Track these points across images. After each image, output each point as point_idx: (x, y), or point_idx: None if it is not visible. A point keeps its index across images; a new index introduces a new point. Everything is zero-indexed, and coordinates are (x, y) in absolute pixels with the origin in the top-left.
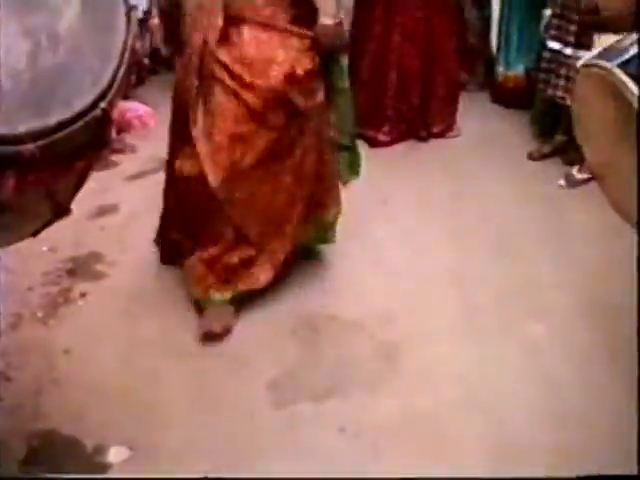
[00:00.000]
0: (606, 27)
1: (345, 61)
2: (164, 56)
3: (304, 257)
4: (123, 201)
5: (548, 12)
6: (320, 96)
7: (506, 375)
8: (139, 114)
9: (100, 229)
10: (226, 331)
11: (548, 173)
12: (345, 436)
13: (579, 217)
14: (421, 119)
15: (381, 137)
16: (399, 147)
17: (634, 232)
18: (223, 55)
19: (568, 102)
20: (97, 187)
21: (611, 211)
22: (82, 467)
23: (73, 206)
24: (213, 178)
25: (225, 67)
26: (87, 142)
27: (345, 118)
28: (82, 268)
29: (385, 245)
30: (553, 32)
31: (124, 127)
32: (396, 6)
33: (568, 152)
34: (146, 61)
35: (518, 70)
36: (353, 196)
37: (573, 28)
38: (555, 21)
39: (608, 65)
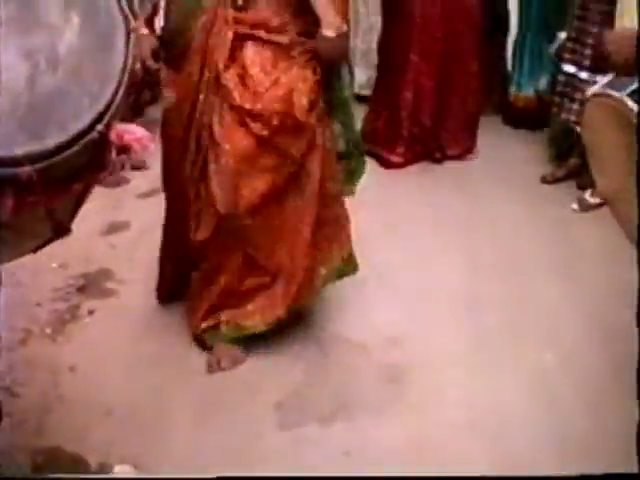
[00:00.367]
0: (616, 70)
1: (346, 71)
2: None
3: None
4: (134, 218)
5: (563, 35)
6: (321, 109)
7: (513, 401)
8: (137, 137)
9: (111, 246)
10: (236, 366)
11: (561, 196)
12: (350, 459)
13: (591, 241)
14: (435, 141)
15: (395, 159)
16: (412, 168)
17: None
18: (227, 78)
19: None
20: (109, 204)
21: (623, 236)
22: None
23: (84, 222)
24: (222, 206)
25: (230, 91)
26: (85, 164)
27: (347, 127)
28: (91, 285)
29: (395, 267)
30: (568, 55)
31: (123, 150)
32: (415, 24)
33: (581, 176)
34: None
35: (529, 91)
36: (364, 217)
37: (588, 52)
38: (570, 44)
39: (618, 94)
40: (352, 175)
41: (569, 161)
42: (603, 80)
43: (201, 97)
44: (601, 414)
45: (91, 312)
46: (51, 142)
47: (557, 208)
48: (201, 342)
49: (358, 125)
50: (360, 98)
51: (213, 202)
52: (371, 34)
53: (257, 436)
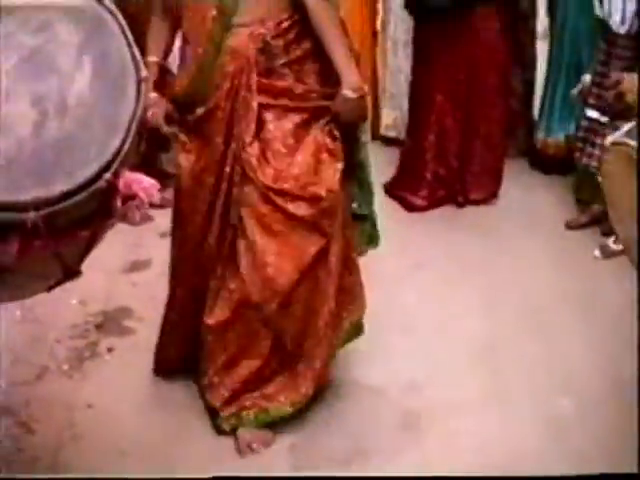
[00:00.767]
0: (632, 112)
1: (362, 130)
2: None
3: None
4: (156, 257)
5: (588, 78)
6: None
7: (529, 449)
8: (144, 186)
9: (131, 284)
10: (268, 447)
11: (584, 242)
12: None
13: (612, 289)
14: (459, 184)
15: (418, 202)
16: (435, 211)
17: None
18: (250, 153)
19: None
20: (131, 242)
21: None
22: None
23: (105, 260)
24: (253, 288)
25: (254, 168)
26: (92, 212)
27: (364, 189)
28: (111, 323)
29: (415, 311)
30: (591, 100)
31: (130, 198)
32: (439, 66)
33: (605, 222)
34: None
35: (559, 136)
36: (385, 260)
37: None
38: (594, 89)
39: (635, 143)
40: (367, 238)
41: (593, 207)
42: (623, 128)
43: (227, 169)
44: (619, 462)
45: (110, 350)
46: (57, 189)
47: (580, 254)
48: (221, 428)
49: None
50: (386, 140)
51: (242, 284)
52: (399, 76)
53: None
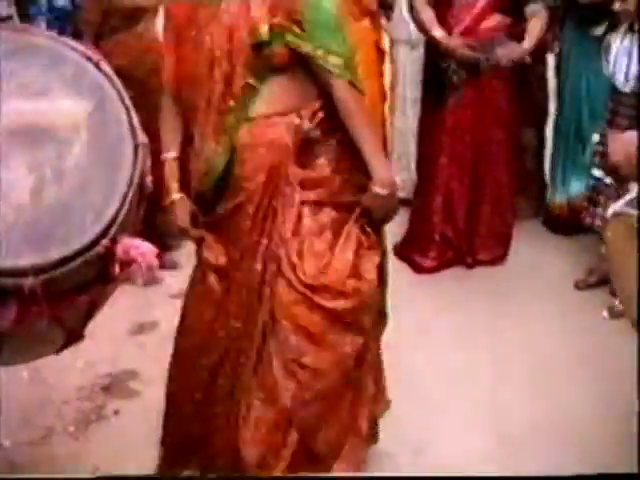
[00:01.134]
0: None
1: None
2: None
3: None
4: (164, 319)
5: (596, 137)
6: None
7: None
8: (142, 252)
9: (139, 346)
10: None
11: (592, 303)
12: None
13: (619, 350)
14: (468, 246)
15: (427, 263)
16: (444, 273)
17: None
18: (289, 248)
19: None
20: (140, 303)
21: None
22: None
23: (113, 321)
24: (287, 396)
25: (293, 264)
26: (91, 277)
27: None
28: (117, 385)
29: (422, 373)
30: (597, 159)
31: (128, 264)
32: (445, 128)
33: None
34: None
35: (570, 196)
36: (393, 321)
37: None
38: (600, 148)
39: (636, 213)
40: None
41: (601, 267)
42: (625, 197)
43: (258, 267)
44: None
45: (116, 412)
46: (54, 255)
47: (587, 315)
48: None
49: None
50: None
51: (274, 392)
52: (407, 136)
53: None
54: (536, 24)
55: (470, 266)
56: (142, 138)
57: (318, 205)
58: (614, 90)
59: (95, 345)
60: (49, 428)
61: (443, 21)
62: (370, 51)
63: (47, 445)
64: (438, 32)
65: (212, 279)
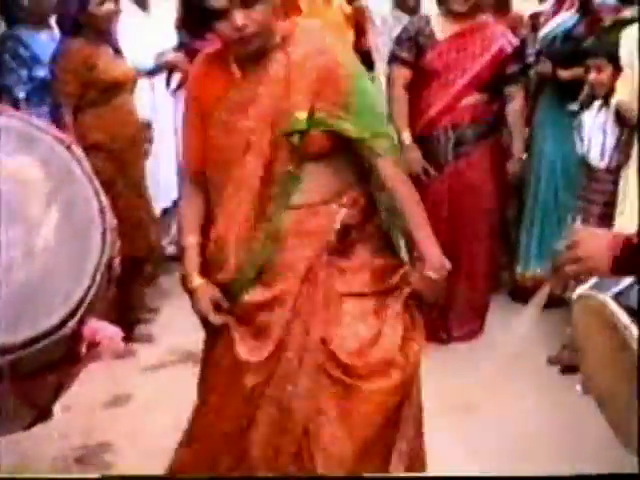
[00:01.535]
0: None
1: None
2: None
3: None
4: (138, 392)
5: (570, 219)
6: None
7: None
8: (107, 335)
9: (113, 419)
10: None
11: (566, 377)
12: None
13: (592, 424)
14: (442, 322)
15: None
16: None
17: None
18: (334, 343)
19: None
20: (114, 375)
21: None
22: None
23: (87, 394)
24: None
25: (332, 351)
26: (58, 357)
27: None
28: (91, 457)
29: None
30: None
31: (95, 345)
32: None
33: None
34: (172, 249)
35: (537, 269)
36: None
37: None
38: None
39: (602, 297)
40: None
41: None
42: (591, 280)
43: (294, 362)
44: None
45: None
46: (22, 336)
47: (562, 389)
48: None
49: None
50: None
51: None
52: None
53: None
54: (516, 117)
55: (444, 342)
56: (111, 221)
57: (360, 291)
58: (588, 167)
59: (69, 417)
60: None
61: (421, 99)
62: None
63: None
64: (405, 135)
65: (244, 375)
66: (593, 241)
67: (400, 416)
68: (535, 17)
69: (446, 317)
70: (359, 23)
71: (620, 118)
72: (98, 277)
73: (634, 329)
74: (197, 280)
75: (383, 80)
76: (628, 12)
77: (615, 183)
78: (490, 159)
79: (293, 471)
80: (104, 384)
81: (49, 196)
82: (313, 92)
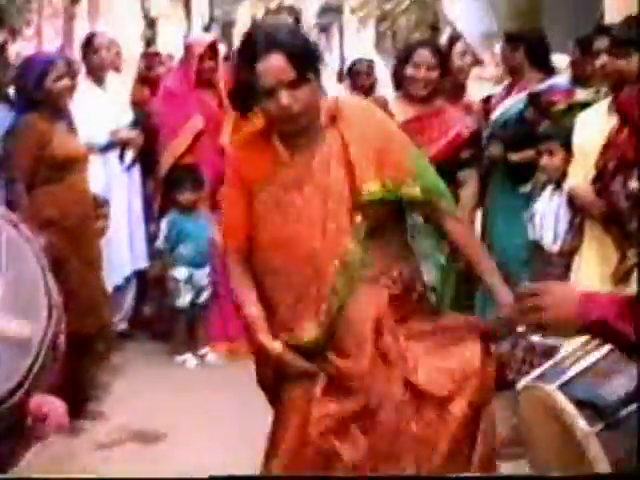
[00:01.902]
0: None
1: None
2: (145, 317)
3: None
4: (88, 469)
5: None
6: None
7: None
8: (53, 408)
9: None
10: None
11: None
12: None
13: None
14: None
15: None
16: None
17: None
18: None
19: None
20: (64, 453)
21: None
22: None
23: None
24: None
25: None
26: (3, 432)
27: None
28: None
29: None
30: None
31: (41, 419)
32: None
33: None
34: (123, 326)
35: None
36: None
37: None
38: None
39: (548, 387)
40: None
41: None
42: (536, 371)
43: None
44: None
45: None
46: None
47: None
48: None
49: None
50: None
51: None
52: None
53: None
54: (469, 203)
55: None
56: (57, 299)
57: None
58: (541, 251)
59: None
60: None
61: None
62: None
63: None
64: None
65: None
66: (560, 293)
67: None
68: (486, 101)
69: None
70: None
71: (573, 202)
72: (43, 353)
73: (580, 420)
74: (277, 344)
75: None
76: (581, 95)
77: (568, 267)
78: None
79: None
80: (54, 462)
81: None
82: (378, 164)
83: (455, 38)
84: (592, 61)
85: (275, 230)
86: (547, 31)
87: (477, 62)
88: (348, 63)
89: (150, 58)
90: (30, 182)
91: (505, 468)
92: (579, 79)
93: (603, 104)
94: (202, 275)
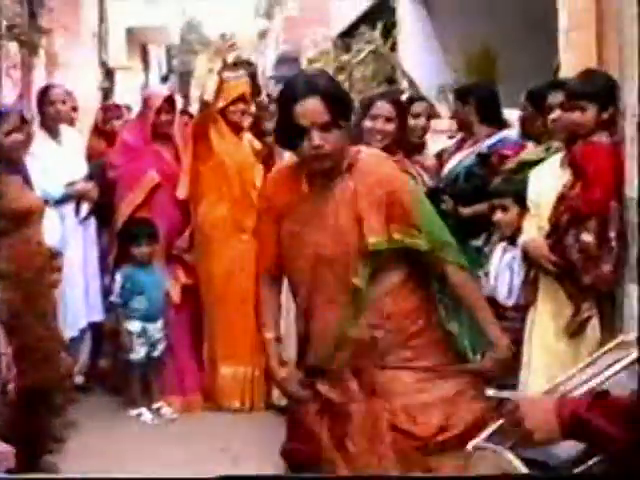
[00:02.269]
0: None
1: None
2: (101, 370)
3: None
4: None
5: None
6: None
7: None
8: (1, 449)
9: None
10: None
11: None
12: None
13: None
14: None
15: None
16: None
17: None
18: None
19: None
20: None
21: None
22: None
23: None
24: None
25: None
26: None
27: None
28: None
29: None
30: None
31: None
32: None
33: None
34: (79, 379)
35: None
36: None
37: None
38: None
39: (498, 447)
40: None
41: None
42: (486, 430)
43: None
44: None
45: None
46: None
47: None
48: None
49: None
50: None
51: None
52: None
53: None
54: None
55: None
56: (5, 349)
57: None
58: (496, 305)
59: None
60: None
61: None
62: None
63: None
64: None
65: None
66: (538, 398)
67: None
68: (439, 155)
69: None
70: (267, 158)
71: (527, 257)
72: None
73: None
74: (281, 371)
75: None
76: (531, 153)
77: (523, 321)
78: None
79: None
80: None
81: None
82: (386, 217)
83: (414, 99)
84: (544, 115)
85: (293, 262)
86: (502, 86)
87: (433, 115)
88: None
89: (108, 110)
90: None
91: None
92: (528, 134)
93: (556, 158)
94: (156, 329)
